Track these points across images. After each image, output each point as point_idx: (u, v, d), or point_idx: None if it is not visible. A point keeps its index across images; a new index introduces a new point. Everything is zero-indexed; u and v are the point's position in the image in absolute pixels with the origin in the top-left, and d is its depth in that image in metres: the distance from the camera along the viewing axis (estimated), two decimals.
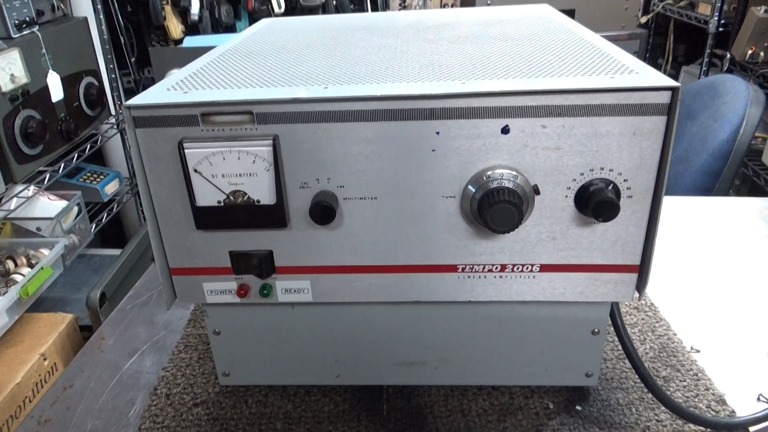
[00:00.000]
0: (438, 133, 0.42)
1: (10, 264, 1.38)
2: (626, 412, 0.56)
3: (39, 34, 1.52)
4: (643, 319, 0.69)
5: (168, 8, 1.98)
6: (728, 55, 1.87)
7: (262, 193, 0.44)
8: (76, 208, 1.61)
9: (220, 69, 0.50)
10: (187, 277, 0.49)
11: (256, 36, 0.65)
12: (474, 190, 0.43)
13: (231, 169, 0.43)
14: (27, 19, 1.52)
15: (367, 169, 0.44)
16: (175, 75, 0.48)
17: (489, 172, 0.43)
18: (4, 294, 1.28)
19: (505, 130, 0.42)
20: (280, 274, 0.48)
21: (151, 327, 0.72)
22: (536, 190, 0.43)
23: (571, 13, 1.96)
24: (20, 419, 1.16)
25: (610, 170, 0.43)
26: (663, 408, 0.56)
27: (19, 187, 1.47)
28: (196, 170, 0.43)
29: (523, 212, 0.42)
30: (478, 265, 0.47)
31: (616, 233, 0.45)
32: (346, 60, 0.51)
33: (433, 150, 0.43)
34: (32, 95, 1.49)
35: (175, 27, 2.03)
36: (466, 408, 0.57)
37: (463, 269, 0.47)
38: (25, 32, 1.50)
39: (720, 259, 0.81)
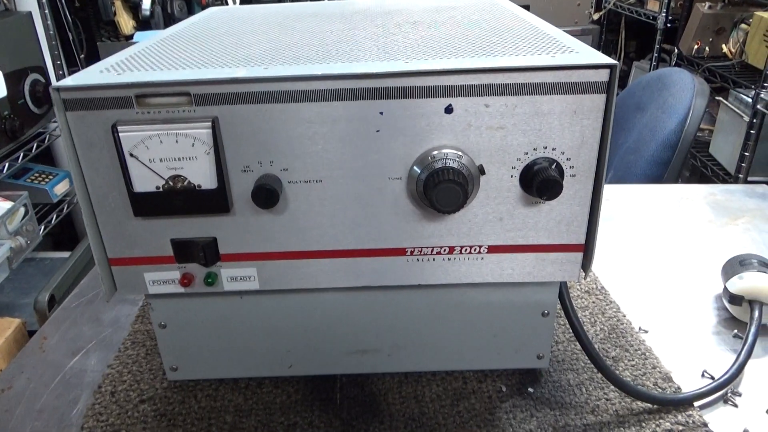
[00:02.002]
0: (382, 113, 0.42)
1: None
2: (576, 392, 0.57)
3: None
4: (593, 302, 0.71)
5: (118, 3, 1.93)
6: (676, 50, 1.92)
7: (203, 177, 0.43)
8: (22, 209, 1.55)
9: (158, 52, 0.49)
10: (127, 268, 0.47)
11: (200, 23, 0.63)
12: (419, 171, 0.43)
13: (169, 153, 0.42)
14: None
15: (311, 152, 0.43)
16: (110, 58, 0.47)
17: (434, 152, 0.42)
18: None
19: (449, 110, 0.42)
20: (225, 262, 0.47)
21: (97, 325, 0.70)
22: (481, 170, 0.43)
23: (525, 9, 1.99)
24: None
25: (553, 149, 0.43)
26: (612, 387, 0.57)
27: None
28: (132, 155, 0.42)
29: (468, 192, 0.42)
30: (427, 247, 0.47)
31: (561, 212, 0.46)
32: (290, 43, 0.50)
33: (378, 131, 0.42)
34: None
35: (126, 22, 1.97)
36: (419, 394, 0.57)
37: (411, 252, 0.47)
38: None
39: (667, 244, 0.83)
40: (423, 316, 0.54)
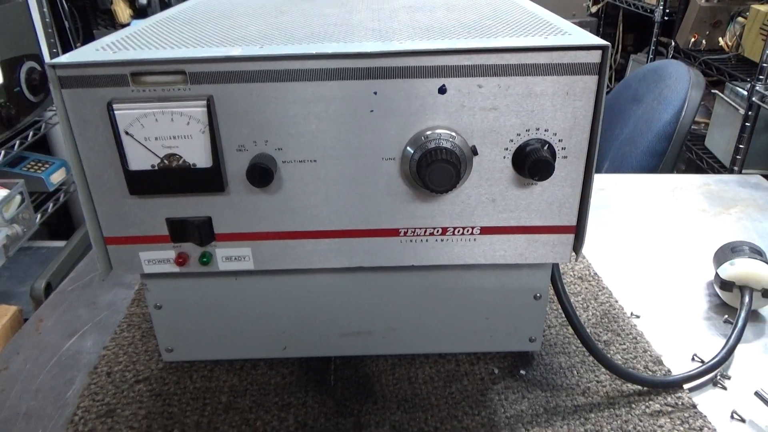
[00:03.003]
0: (375, 93, 0.42)
1: None
2: (568, 374, 0.58)
3: None
4: (586, 287, 0.71)
5: None
6: (673, 43, 1.93)
7: (198, 156, 0.43)
8: (18, 197, 1.55)
9: (154, 32, 0.49)
10: (122, 247, 0.47)
11: (196, 6, 0.64)
12: (413, 151, 0.43)
13: (164, 132, 0.42)
14: None
15: (305, 131, 0.43)
16: (106, 38, 0.47)
17: (427, 133, 0.43)
18: None
19: (442, 90, 0.42)
20: (220, 242, 0.48)
21: (93, 308, 0.70)
22: (474, 151, 0.44)
23: None
24: None
25: (545, 130, 0.43)
26: (603, 369, 0.57)
27: None
28: (127, 133, 0.42)
29: (461, 172, 0.42)
30: (420, 228, 0.47)
31: (553, 194, 0.46)
32: (285, 25, 0.50)
33: (372, 110, 0.43)
34: None
35: (122, 11, 1.96)
36: (413, 376, 0.58)
37: (405, 233, 0.48)
38: None
39: (661, 232, 0.84)
40: (416, 299, 0.55)
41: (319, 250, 0.48)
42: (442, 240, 0.48)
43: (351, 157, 0.44)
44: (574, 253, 0.49)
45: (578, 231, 0.48)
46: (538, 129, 0.43)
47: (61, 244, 1.81)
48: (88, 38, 2.05)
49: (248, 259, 0.49)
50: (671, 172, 1.32)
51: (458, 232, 0.48)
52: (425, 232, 0.48)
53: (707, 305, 0.68)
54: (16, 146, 1.62)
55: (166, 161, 0.43)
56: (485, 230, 0.48)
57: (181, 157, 0.43)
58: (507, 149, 0.44)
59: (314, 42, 0.44)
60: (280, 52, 0.41)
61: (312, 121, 0.43)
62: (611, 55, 2.67)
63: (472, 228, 0.47)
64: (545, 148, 0.43)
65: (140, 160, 0.43)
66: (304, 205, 0.46)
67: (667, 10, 2.01)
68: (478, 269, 0.53)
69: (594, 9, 2.39)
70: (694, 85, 1.29)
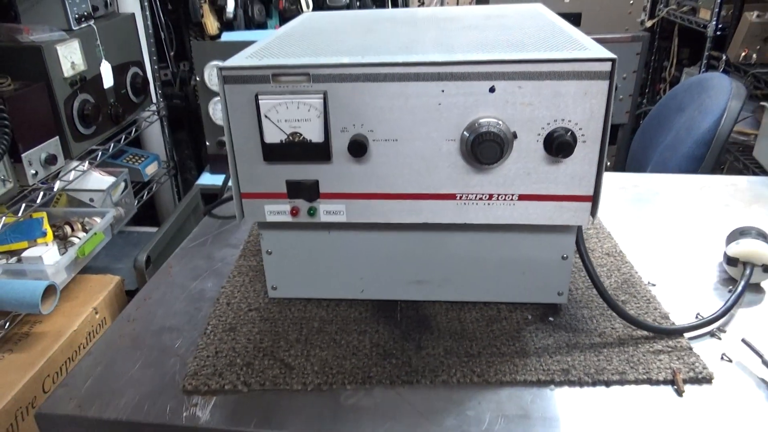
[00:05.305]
0: (443, 91, 0.58)
1: (67, 229, 1.56)
2: (588, 322, 0.72)
3: (94, 27, 1.70)
4: (611, 261, 0.85)
5: (206, 6, 2.16)
6: (724, 57, 2.00)
7: (314, 134, 0.60)
8: (122, 184, 1.79)
9: (281, 46, 0.66)
10: (253, 201, 0.65)
11: (301, 26, 0.82)
12: (468, 135, 0.59)
13: (292, 116, 0.59)
14: (85, 13, 1.70)
15: (390, 118, 0.60)
16: (247, 50, 0.65)
17: (480, 121, 0.58)
18: (64, 254, 1.46)
19: (492, 90, 0.57)
20: (323, 199, 0.65)
21: (210, 260, 0.89)
22: (515, 135, 0.59)
23: (577, 17, 2.10)
24: (76, 361, 1.33)
25: (569, 121, 0.58)
26: (618, 320, 0.71)
27: (75, 163, 1.65)
28: (266, 116, 0.59)
29: (504, 150, 0.58)
30: (472, 194, 0.63)
31: (574, 170, 0.61)
32: (375, 40, 0.67)
33: (439, 104, 0.59)
34: (88, 81, 1.67)
35: (211, 24, 2.21)
36: (462, 317, 0.73)
37: (460, 198, 0.63)
38: (83, 25, 1.68)
39: (683, 221, 0.96)
40: (467, 255, 0.70)
41: (396, 209, 0.65)
42: (488, 204, 0.63)
43: (422, 138, 0.60)
44: (591, 217, 0.63)
45: (594, 199, 0.62)
46: (563, 120, 0.58)
47: (148, 229, 2.06)
48: (180, 47, 2.31)
49: (342, 214, 0.65)
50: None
51: (501, 198, 0.63)
52: (476, 197, 0.63)
53: (716, 279, 0.81)
54: (121, 140, 1.87)
55: (291, 137, 0.60)
56: (522, 197, 0.63)
57: (302, 135, 0.60)
58: (539, 134, 0.59)
59: (398, 53, 0.60)
60: (375, 60, 0.57)
61: (395, 111, 0.59)
62: (668, 67, 2.71)
63: (512, 195, 0.63)
64: (568, 134, 0.58)
65: (273, 135, 0.60)
66: (386, 173, 0.62)
67: (720, 25, 2.09)
68: (516, 231, 0.68)
69: (649, 24, 2.47)
70: (735, 96, 1.39)
